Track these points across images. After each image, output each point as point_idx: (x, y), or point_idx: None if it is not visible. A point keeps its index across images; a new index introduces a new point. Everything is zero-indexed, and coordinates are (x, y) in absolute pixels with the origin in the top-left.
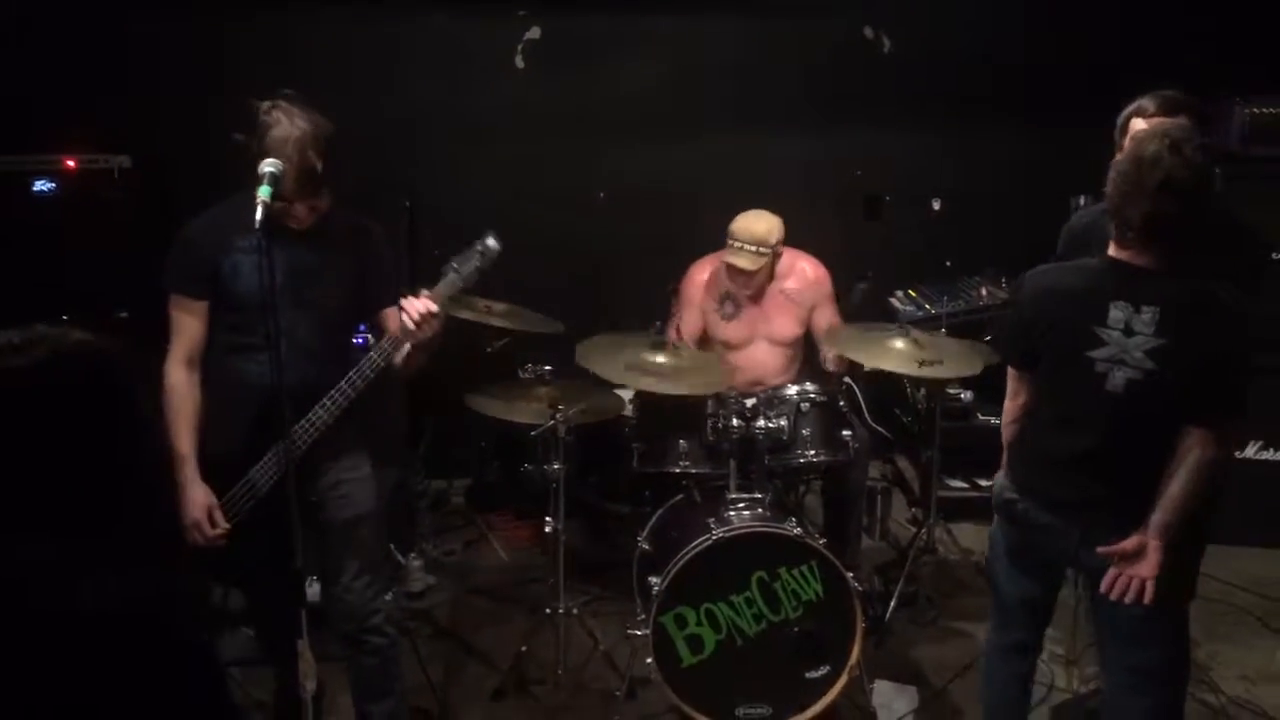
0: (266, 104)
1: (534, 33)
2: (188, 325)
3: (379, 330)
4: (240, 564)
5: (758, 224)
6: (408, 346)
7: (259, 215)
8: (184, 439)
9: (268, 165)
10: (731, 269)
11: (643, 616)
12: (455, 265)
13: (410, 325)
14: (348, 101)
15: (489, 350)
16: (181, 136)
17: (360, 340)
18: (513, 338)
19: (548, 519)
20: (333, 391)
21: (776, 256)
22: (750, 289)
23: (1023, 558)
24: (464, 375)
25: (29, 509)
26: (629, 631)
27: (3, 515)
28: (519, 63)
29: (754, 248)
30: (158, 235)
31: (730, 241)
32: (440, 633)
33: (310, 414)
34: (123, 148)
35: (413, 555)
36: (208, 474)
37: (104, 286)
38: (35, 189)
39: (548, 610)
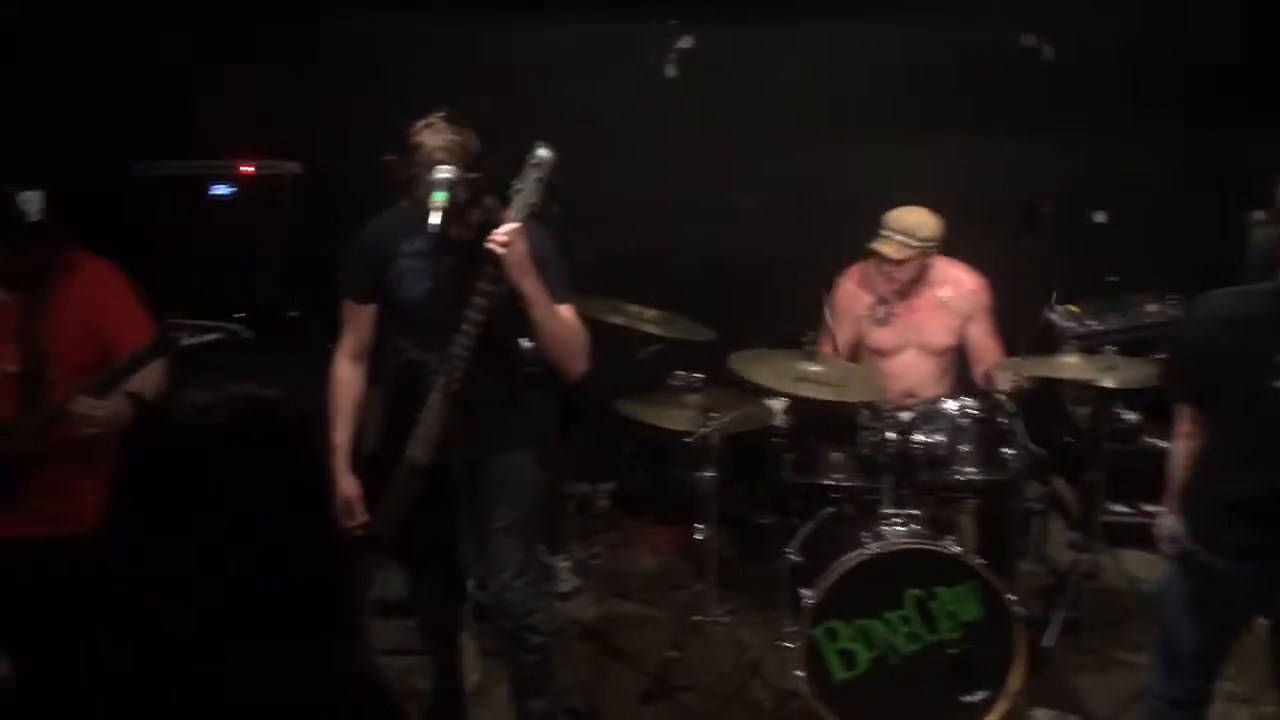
0: (420, 123)
1: (686, 41)
2: (356, 325)
3: None
4: (408, 553)
5: (909, 215)
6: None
7: (435, 220)
8: (341, 430)
9: (442, 171)
10: (877, 259)
11: (792, 628)
12: (518, 185)
13: (499, 249)
14: (504, 109)
15: (640, 357)
16: (350, 145)
17: None
18: (664, 344)
19: (698, 526)
20: (463, 325)
21: (927, 255)
22: (895, 284)
23: (1203, 609)
24: (612, 381)
25: (238, 575)
26: (779, 643)
27: (215, 581)
28: (670, 71)
29: (901, 237)
30: (325, 239)
31: (880, 231)
32: (587, 634)
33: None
34: (295, 155)
35: (561, 557)
36: (369, 467)
37: (274, 287)
38: (213, 193)
39: (696, 617)
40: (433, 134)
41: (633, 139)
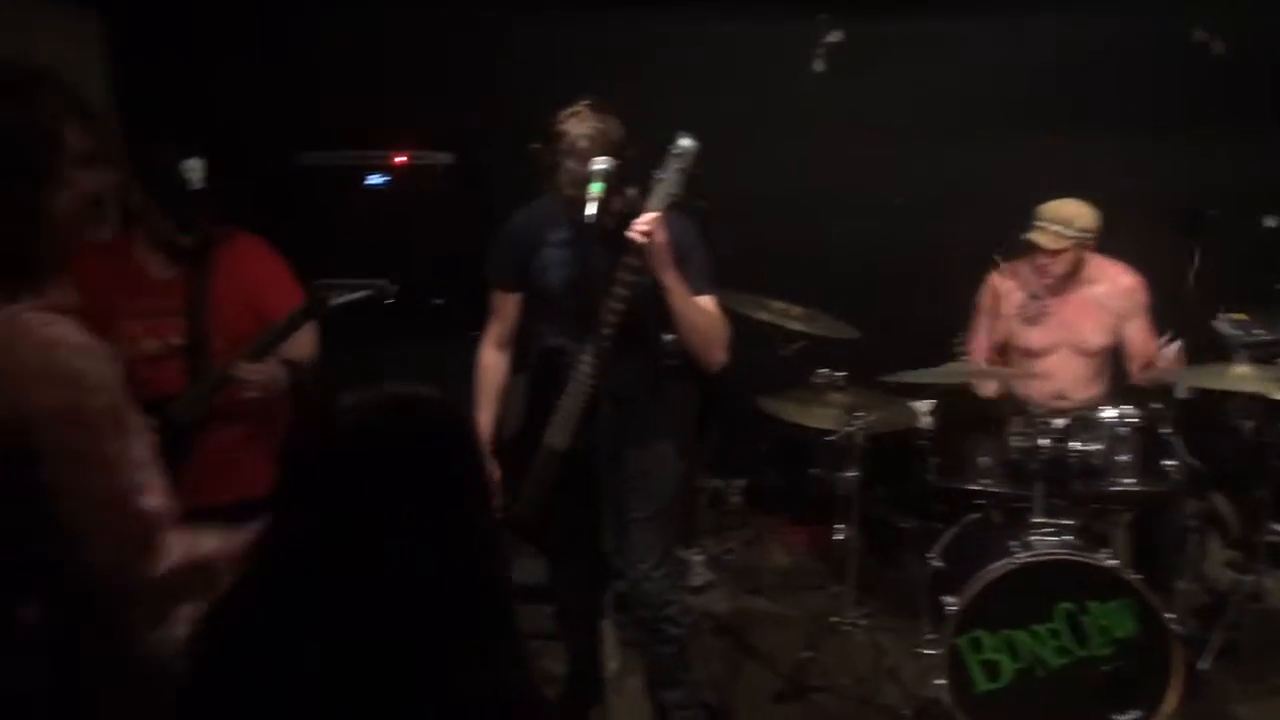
0: (565, 111)
1: (835, 35)
2: (502, 313)
3: None
4: (550, 540)
5: (1065, 206)
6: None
7: (591, 210)
8: (484, 416)
9: (599, 162)
10: (1032, 250)
11: (933, 636)
12: (660, 175)
13: (640, 238)
14: (650, 102)
15: (782, 353)
16: (500, 137)
17: None
18: (807, 341)
19: (837, 527)
20: (604, 314)
21: (1083, 247)
22: (1049, 278)
23: None
24: (752, 376)
25: (409, 580)
26: (919, 650)
27: (386, 585)
28: (818, 66)
29: (1057, 227)
30: (472, 229)
31: (1034, 222)
32: (720, 629)
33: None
34: (446, 146)
35: (694, 550)
36: (510, 453)
37: (423, 275)
38: (368, 183)
39: (833, 619)
40: (577, 122)
41: (780, 134)
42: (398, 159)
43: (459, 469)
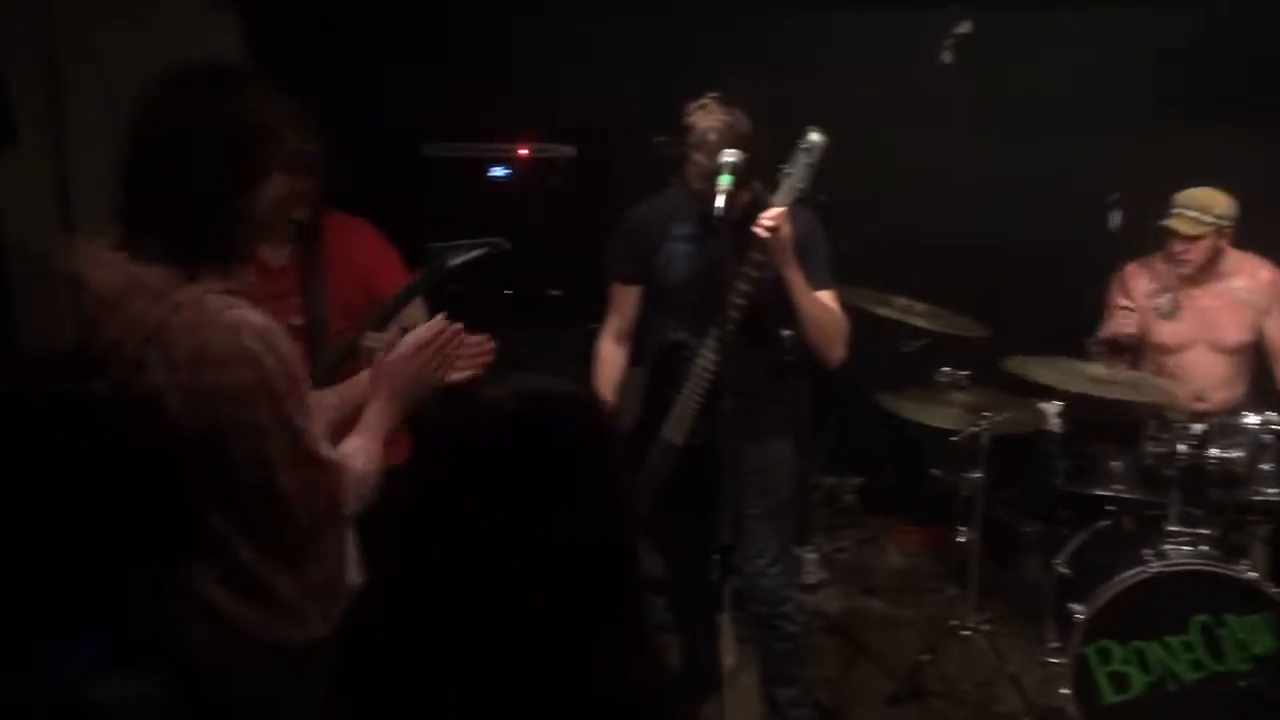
0: (693, 104)
1: (965, 27)
2: (621, 306)
3: None
4: (666, 534)
5: (1203, 193)
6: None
7: (720, 203)
8: None
9: (728, 155)
10: (1169, 238)
11: (1057, 644)
12: (787, 170)
13: (764, 233)
14: (775, 94)
15: (905, 350)
16: (622, 131)
17: None
18: (930, 339)
19: (960, 529)
20: (725, 308)
21: (1221, 235)
22: (1187, 266)
23: None
24: (871, 373)
25: (540, 568)
26: (1043, 658)
27: (527, 577)
28: (947, 58)
29: (1194, 213)
30: (590, 221)
31: (1171, 209)
32: (832, 629)
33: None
34: (569, 139)
35: (807, 548)
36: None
37: (542, 266)
38: (490, 174)
39: (953, 623)
40: (705, 115)
41: (906, 127)
42: (521, 151)
43: (601, 461)
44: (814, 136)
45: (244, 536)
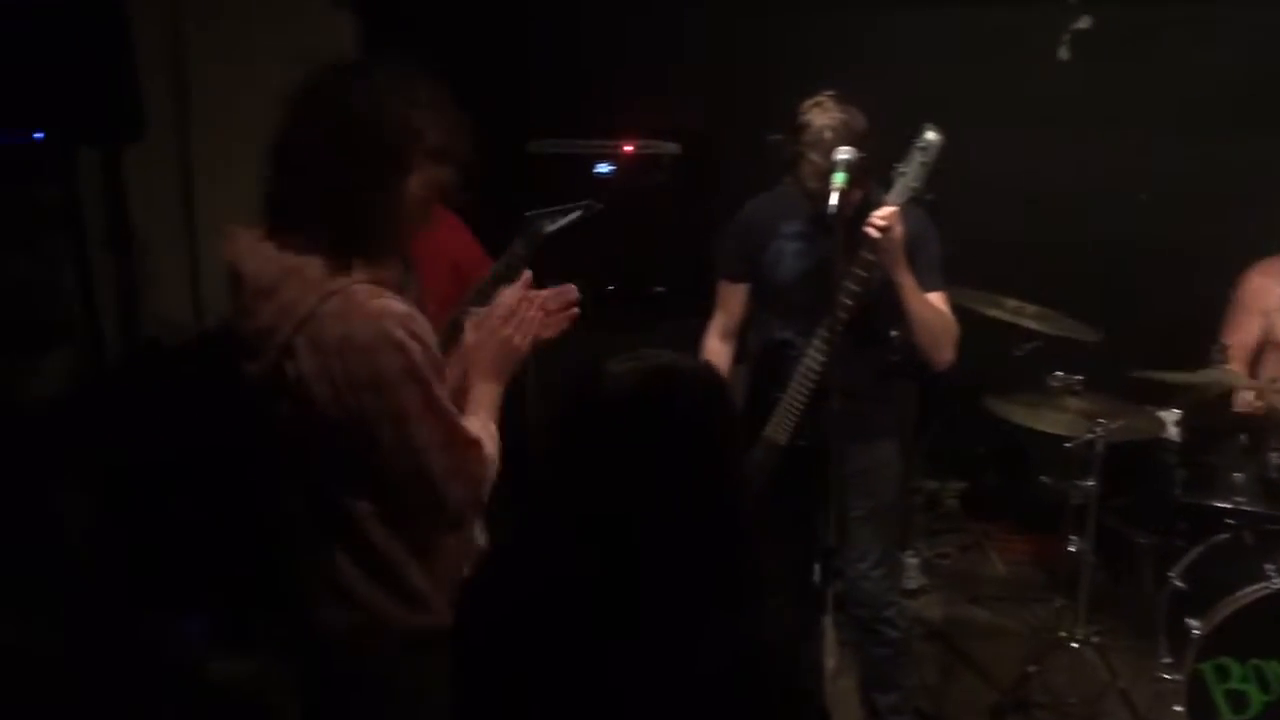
0: (808, 101)
1: (1084, 23)
2: (728, 303)
3: None
4: (764, 531)
5: None
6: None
7: (834, 201)
8: None
9: (843, 153)
10: None
11: (1170, 660)
12: (901, 169)
13: (875, 233)
14: (886, 91)
15: (1017, 353)
16: (726, 128)
17: None
18: (1041, 342)
19: (1071, 538)
20: (834, 308)
21: None
22: None
23: None
24: (978, 376)
25: (674, 539)
26: (1155, 673)
27: (652, 545)
28: (1063, 54)
29: None
30: (694, 219)
31: None
32: (932, 635)
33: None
34: (674, 136)
35: (908, 553)
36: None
37: (645, 263)
38: (595, 171)
39: (1061, 634)
40: (821, 113)
41: (1021, 125)
42: (626, 148)
43: (721, 429)
44: (931, 135)
45: (382, 523)
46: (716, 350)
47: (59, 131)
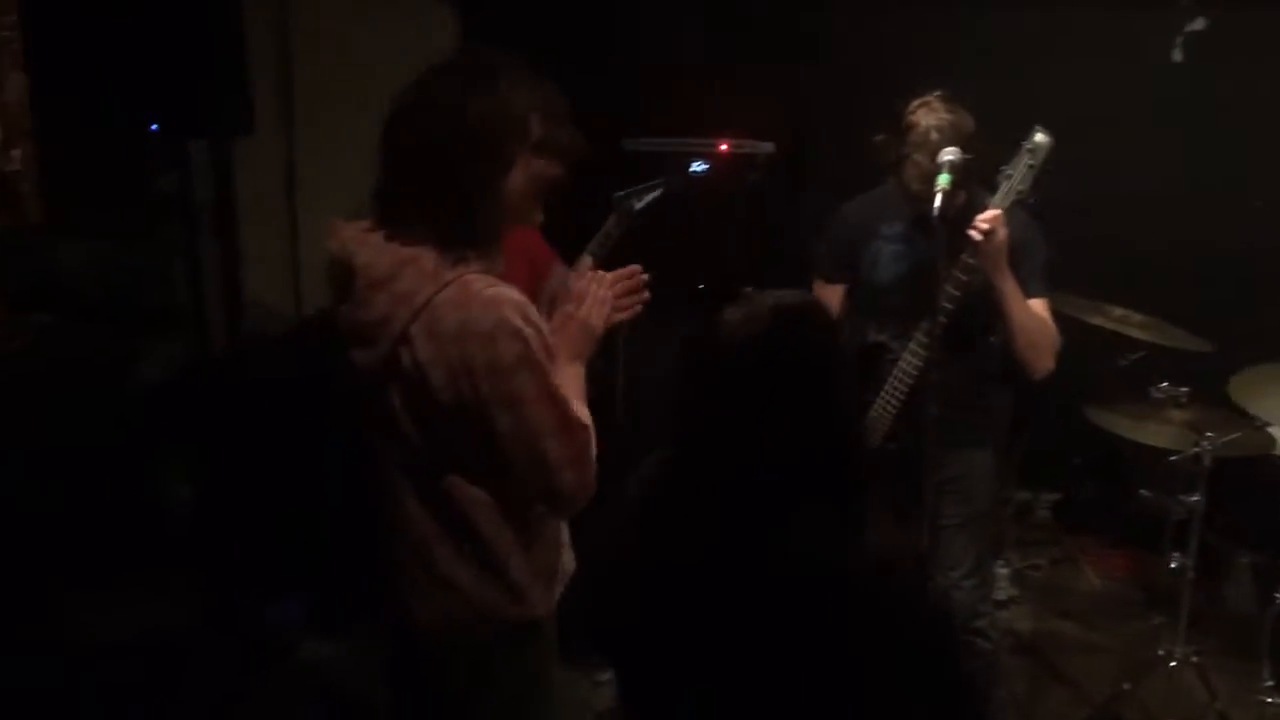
0: (915, 102)
1: (1198, 24)
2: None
3: None
4: None
5: None
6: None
7: (938, 203)
8: None
9: (948, 154)
10: None
11: (1273, 683)
12: (1007, 172)
13: (978, 236)
14: (990, 93)
15: (1121, 363)
16: (822, 128)
17: None
18: (1147, 352)
19: (1174, 554)
20: (933, 312)
21: None
22: None
23: None
24: (1077, 384)
25: (799, 472)
26: (1258, 696)
27: (785, 477)
28: (1176, 56)
29: None
30: (787, 219)
31: None
32: (1021, 648)
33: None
34: (769, 136)
35: (999, 563)
36: None
37: (734, 262)
38: (691, 169)
39: (1159, 652)
40: (928, 113)
41: (1132, 127)
42: (721, 146)
43: (835, 357)
44: (1039, 137)
45: (492, 512)
46: None
47: (173, 124)
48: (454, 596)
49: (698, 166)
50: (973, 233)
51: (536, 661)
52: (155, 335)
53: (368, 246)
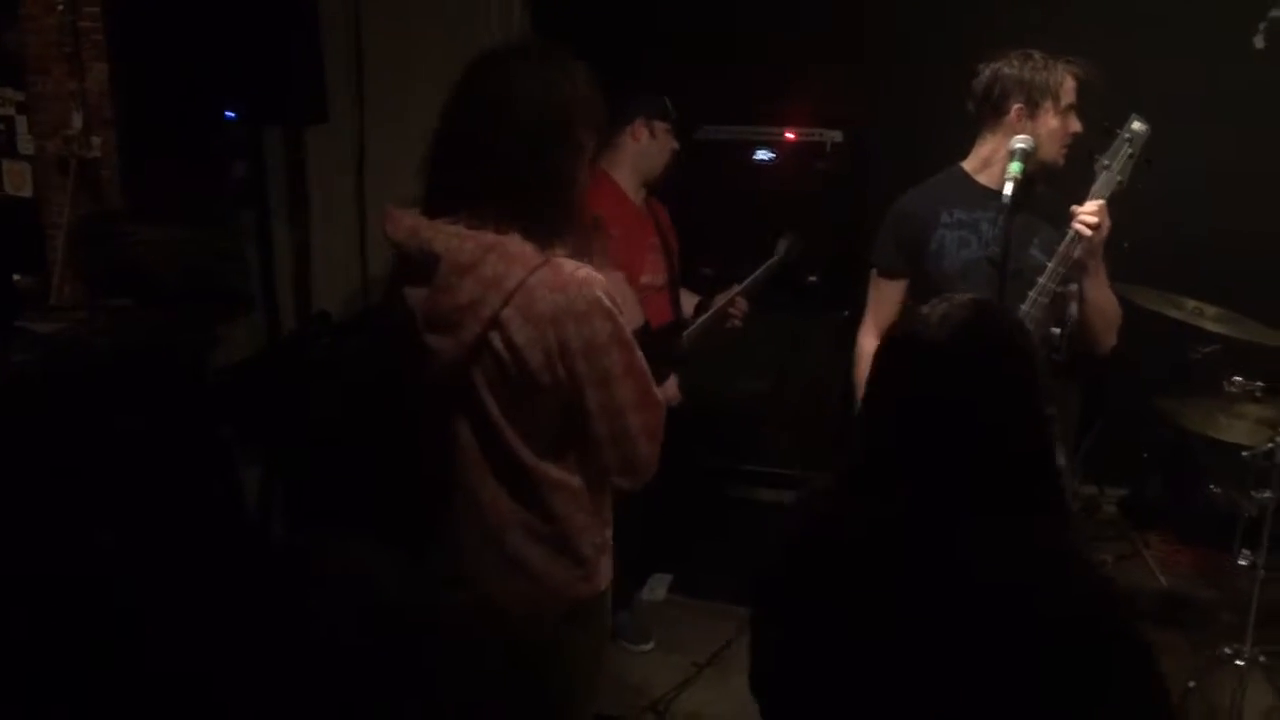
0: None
1: None
2: (882, 299)
3: None
4: None
5: None
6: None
7: (1008, 191)
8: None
9: (1019, 141)
10: None
11: None
12: (1105, 161)
13: (1082, 228)
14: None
15: (1194, 356)
16: (890, 115)
17: None
18: (1220, 345)
19: (1244, 551)
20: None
21: None
22: None
23: None
24: (1147, 377)
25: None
26: None
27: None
28: (1259, 43)
29: None
30: (854, 208)
31: None
32: None
33: None
34: (837, 124)
35: None
36: None
37: (801, 251)
38: (756, 157)
39: (1226, 650)
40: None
41: (1211, 115)
42: (788, 135)
43: (1035, 354)
44: (1137, 125)
45: (569, 490)
46: (870, 349)
47: (249, 112)
48: (525, 576)
49: (764, 155)
50: (1079, 226)
51: (598, 635)
52: (230, 321)
53: (443, 234)
